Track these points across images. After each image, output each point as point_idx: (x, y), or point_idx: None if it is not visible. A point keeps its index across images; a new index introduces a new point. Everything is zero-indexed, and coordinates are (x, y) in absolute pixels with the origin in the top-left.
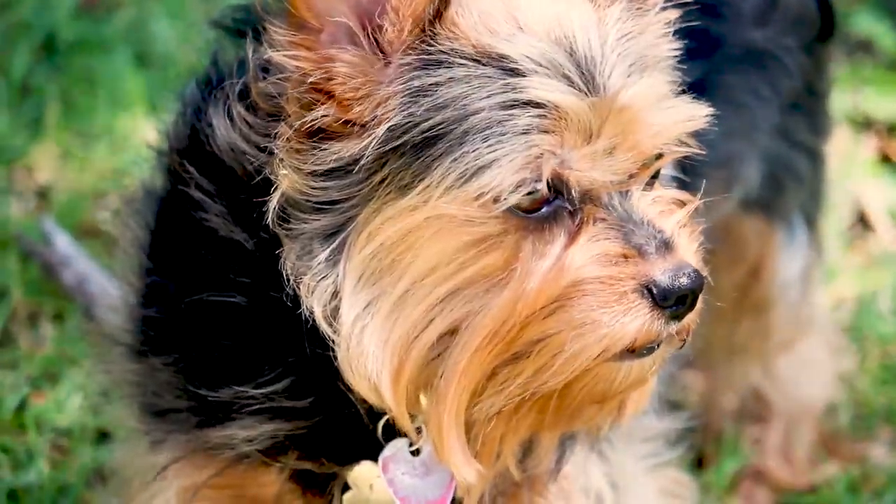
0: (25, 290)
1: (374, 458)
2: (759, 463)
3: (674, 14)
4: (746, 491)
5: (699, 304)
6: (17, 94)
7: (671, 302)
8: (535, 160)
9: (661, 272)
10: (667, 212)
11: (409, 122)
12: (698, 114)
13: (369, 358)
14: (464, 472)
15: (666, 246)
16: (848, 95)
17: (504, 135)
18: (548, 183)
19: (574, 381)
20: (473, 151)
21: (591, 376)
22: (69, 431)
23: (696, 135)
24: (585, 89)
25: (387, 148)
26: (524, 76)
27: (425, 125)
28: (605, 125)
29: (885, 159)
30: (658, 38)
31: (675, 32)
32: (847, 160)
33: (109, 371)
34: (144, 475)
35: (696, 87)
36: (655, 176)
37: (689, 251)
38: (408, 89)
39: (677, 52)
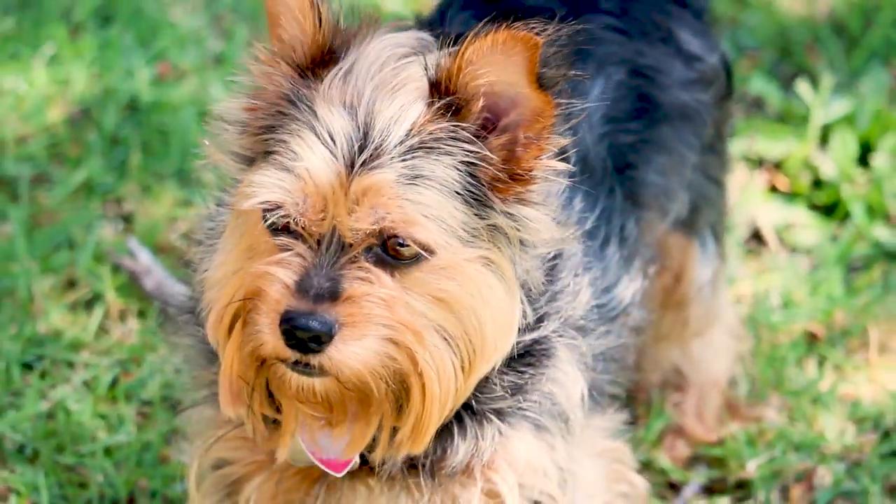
0: (116, 294)
1: None
2: (679, 422)
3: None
4: (669, 443)
5: (333, 361)
6: (108, 144)
7: (282, 331)
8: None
9: (287, 307)
10: (364, 280)
11: None
12: (395, 217)
13: None
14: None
15: (322, 296)
16: (744, 140)
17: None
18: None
19: (267, 373)
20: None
21: (272, 371)
22: (151, 402)
23: (631, 175)
24: (342, 162)
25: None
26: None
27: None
28: (346, 193)
29: (774, 189)
30: (447, 156)
31: (624, 96)
32: (744, 190)
33: (180, 347)
34: (201, 425)
35: (641, 141)
36: (416, 259)
37: (343, 314)
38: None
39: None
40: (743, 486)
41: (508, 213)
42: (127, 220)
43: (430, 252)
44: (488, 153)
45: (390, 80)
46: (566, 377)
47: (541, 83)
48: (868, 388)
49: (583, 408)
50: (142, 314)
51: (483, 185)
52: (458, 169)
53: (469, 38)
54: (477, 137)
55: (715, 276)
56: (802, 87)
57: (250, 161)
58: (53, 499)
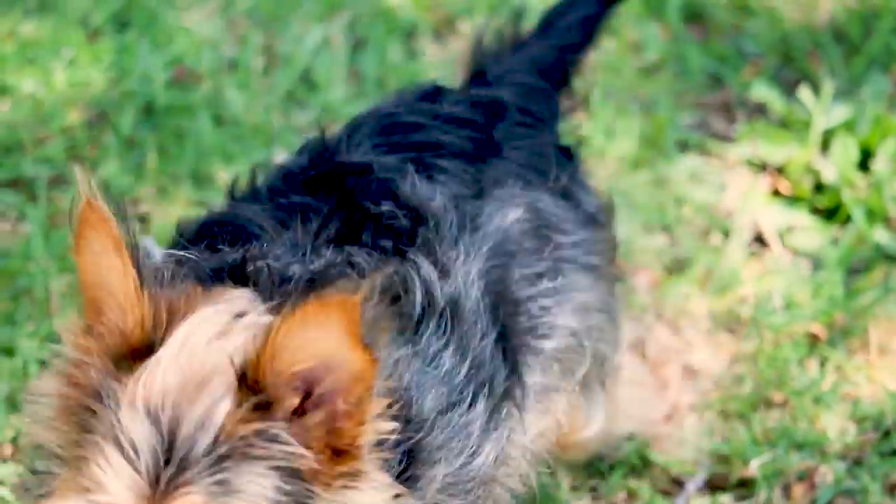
0: None
1: None
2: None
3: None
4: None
5: None
6: (125, 146)
7: None
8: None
9: None
10: None
11: None
12: None
13: None
14: None
15: None
16: (748, 146)
17: None
18: None
19: None
20: None
21: None
22: None
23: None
24: (147, 481)
25: None
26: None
27: None
28: None
29: (776, 193)
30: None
31: (524, 231)
32: (747, 194)
33: None
34: None
35: (537, 276)
36: None
37: None
38: None
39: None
40: (745, 484)
41: (336, 501)
42: (143, 220)
43: None
44: (304, 451)
45: (197, 374)
46: None
47: (364, 343)
48: (868, 388)
49: None
50: None
51: (304, 479)
52: (273, 471)
53: (277, 320)
54: (293, 417)
55: (607, 419)
56: (804, 93)
57: (64, 457)
58: None
